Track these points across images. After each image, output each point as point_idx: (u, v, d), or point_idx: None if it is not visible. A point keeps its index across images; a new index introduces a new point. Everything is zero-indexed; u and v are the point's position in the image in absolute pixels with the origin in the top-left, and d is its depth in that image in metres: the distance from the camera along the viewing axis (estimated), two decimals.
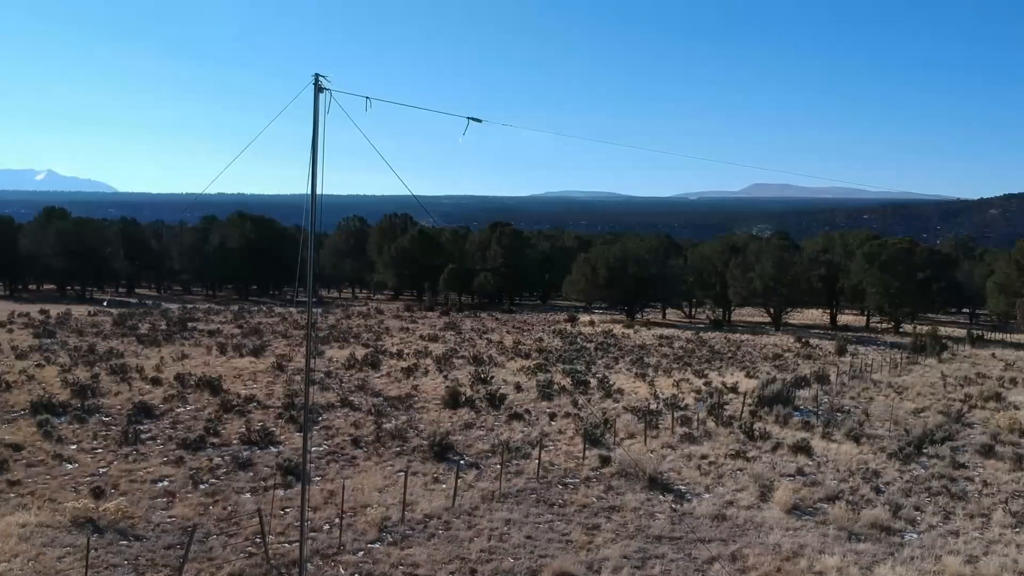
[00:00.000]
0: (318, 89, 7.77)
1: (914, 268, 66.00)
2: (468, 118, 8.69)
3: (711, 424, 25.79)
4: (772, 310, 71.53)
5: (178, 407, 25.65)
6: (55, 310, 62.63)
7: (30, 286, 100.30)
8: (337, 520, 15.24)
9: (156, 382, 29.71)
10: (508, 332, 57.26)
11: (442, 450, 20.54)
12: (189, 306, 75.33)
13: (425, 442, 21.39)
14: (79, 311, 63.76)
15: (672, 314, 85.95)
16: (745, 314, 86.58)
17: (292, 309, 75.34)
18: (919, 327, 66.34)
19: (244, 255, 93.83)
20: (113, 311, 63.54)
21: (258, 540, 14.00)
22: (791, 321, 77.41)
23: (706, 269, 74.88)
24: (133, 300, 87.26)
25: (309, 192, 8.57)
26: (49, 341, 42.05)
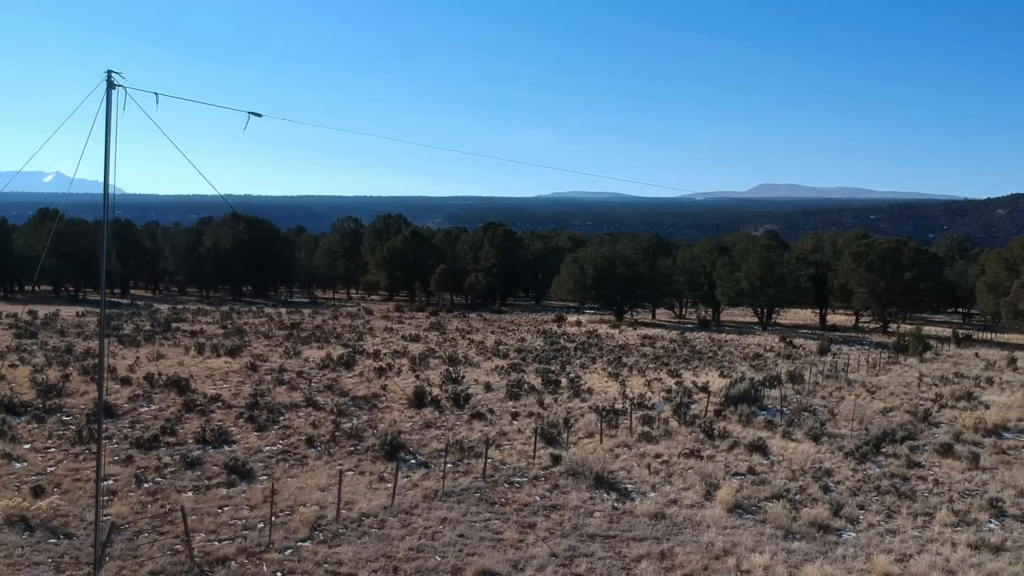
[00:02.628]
0: (111, 85, 7.86)
1: (901, 268, 65.87)
2: (249, 113, 8.82)
3: (674, 423, 25.81)
4: (759, 310, 71.50)
5: (141, 407, 25.74)
6: (44, 311, 62.90)
7: (26, 287, 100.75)
8: (272, 518, 15.29)
9: (126, 382, 29.81)
10: (492, 332, 57.33)
11: (393, 449, 20.60)
12: (180, 307, 75.58)
13: (378, 441, 21.44)
14: (68, 312, 64.00)
15: (664, 314, 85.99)
16: (736, 314, 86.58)
17: (282, 310, 75.55)
18: (910, 327, 66.21)
19: (237, 256, 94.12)
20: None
21: (188, 538, 14.04)
22: (781, 321, 77.40)
23: (695, 269, 74.89)
24: (125, 301, 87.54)
25: (102, 191, 8.68)
26: (29, 341, 42.23)
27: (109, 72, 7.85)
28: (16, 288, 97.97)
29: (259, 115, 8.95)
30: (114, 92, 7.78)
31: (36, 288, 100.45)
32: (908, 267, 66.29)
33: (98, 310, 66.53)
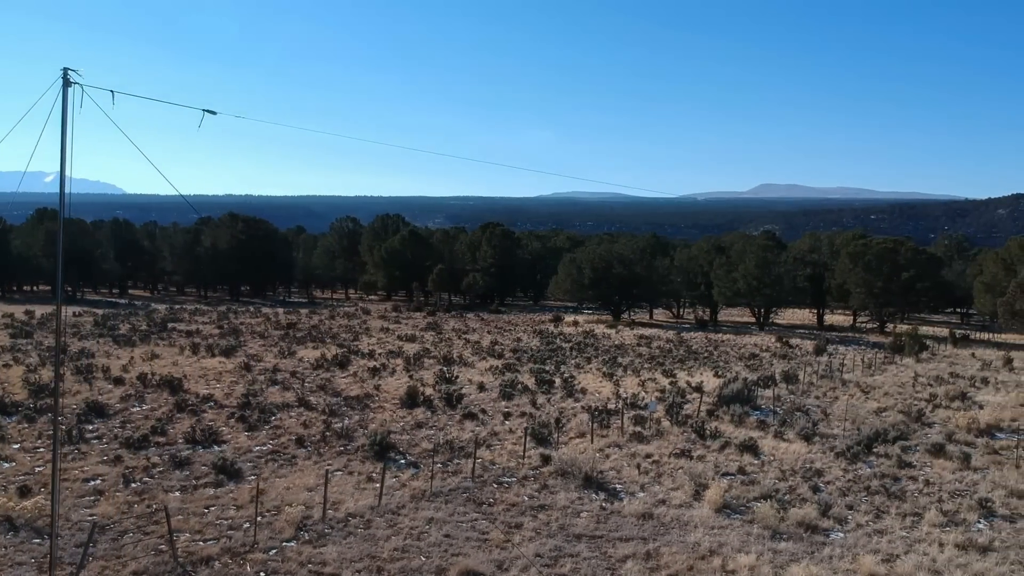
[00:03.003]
0: (67, 83, 7.86)
1: (898, 268, 65.80)
2: (203, 110, 8.85)
3: (666, 423, 25.77)
4: (756, 310, 71.43)
5: (133, 407, 25.73)
6: (41, 311, 62.86)
7: (24, 287, 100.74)
8: (257, 518, 15.26)
9: (119, 382, 29.81)
10: (489, 332, 57.28)
11: (383, 449, 20.57)
12: (177, 307, 75.54)
13: (368, 442, 21.41)
14: (65, 312, 63.90)
15: (661, 314, 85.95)
16: (734, 314, 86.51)
17: (279, 310, 75.51)
18: (907, 327, 66.12)
19: (235, 256, 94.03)
20: (99, 311, 63.70)
21: (172, 538, 14.02)
22: (779, 321, 77.32)
23: (692, 269, 74.83)
24: (123, 301, 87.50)
25: (59, 189, 8.69)
26: (24, 341, 42.22)
27: (65, 70, 7.87)
28: (15, 288, 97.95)
29: (214, 112, 9.00)
30: (71, 89, 7.78)
31: (35, 288, 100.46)
32: (905, 267, 66.18)
33: (97, 310, 66.50)
